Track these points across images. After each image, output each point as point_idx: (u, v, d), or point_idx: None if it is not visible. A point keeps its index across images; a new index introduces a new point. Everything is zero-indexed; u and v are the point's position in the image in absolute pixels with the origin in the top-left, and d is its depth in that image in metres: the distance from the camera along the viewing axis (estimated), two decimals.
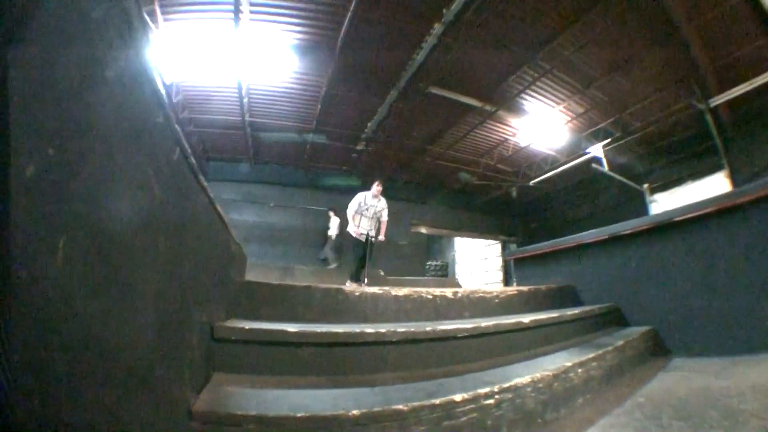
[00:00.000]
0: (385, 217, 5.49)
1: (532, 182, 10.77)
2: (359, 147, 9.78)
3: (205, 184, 1.30)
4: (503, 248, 13.46)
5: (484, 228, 12.75)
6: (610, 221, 10.29)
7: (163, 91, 0.98)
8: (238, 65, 6.76)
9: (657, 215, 2.90)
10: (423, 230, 11.84)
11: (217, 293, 1.41)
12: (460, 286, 9.31)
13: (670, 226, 2.69)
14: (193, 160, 1.12)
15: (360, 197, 5.46)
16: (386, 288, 1.81)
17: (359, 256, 5.39)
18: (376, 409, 0.98)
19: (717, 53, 6.87)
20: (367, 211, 5.43)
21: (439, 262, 14.01)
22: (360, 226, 5.39)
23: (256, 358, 1.31)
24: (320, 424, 0.95)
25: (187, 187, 1.10)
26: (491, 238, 13.58)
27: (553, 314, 2.16)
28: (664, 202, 9.91)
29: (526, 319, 1.85)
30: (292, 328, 1.37)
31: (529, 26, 6.32)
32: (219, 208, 1.49)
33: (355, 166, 10.80)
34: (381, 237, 5.46)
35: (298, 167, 10.81)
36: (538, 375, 1.39)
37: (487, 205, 12.76)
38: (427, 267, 12.89)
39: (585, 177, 10.23)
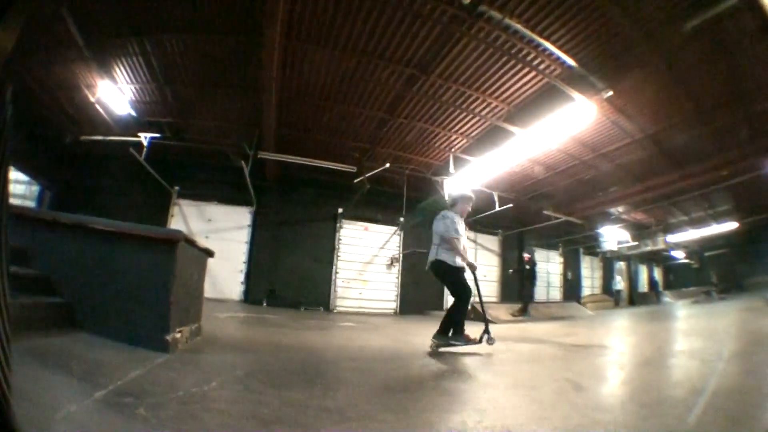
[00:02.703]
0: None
1: (83, 137, 9.65)
2: None
3: None
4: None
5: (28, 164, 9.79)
6: (139, 206, 9.87)
7: None
8: None
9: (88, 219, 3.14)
10: None
11: None
12: None
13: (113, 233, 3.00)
14: None
15: (452, 216, 4.39)
16: None
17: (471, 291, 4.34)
18: None
19: (282, 121, 8.39)
20: (460, 236, 4.42)
21: None
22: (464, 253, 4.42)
23: None
24: None
25: None
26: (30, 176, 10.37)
27: None
28: (187, 209, 11.31)
29: None
30: None
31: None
32: None
33: None
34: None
35: None
36: None
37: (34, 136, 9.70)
38: None
39: (129, 159, 9.41)
